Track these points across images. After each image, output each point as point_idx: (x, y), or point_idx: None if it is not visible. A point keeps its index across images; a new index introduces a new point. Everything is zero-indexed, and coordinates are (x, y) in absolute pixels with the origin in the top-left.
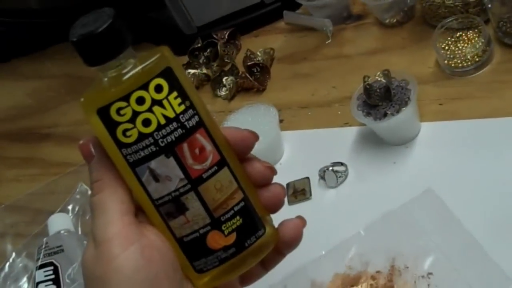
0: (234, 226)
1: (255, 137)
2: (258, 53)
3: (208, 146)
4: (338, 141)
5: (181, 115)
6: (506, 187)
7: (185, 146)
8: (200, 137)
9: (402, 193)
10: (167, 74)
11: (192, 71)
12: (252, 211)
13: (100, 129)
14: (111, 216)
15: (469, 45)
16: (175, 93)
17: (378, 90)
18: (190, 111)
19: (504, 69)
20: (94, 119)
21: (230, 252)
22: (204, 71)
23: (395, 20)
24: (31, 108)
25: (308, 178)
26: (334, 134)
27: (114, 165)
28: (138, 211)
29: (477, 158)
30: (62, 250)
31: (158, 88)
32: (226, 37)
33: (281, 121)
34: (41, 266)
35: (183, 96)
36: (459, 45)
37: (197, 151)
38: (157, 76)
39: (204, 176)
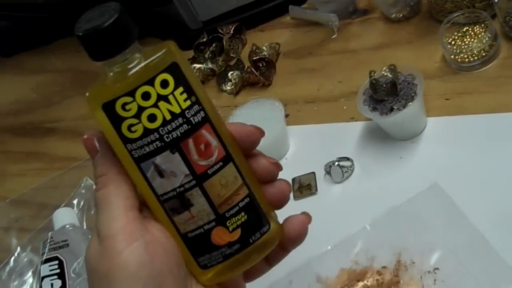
0: (238, 222)
1: (261, 133)
2: (264, 47)
3: (214, 142)
4: (344, 136)
5: (187, 111)
6: None
7: (190, 141)
8: (206, 133)
9: (408, 188)
10: (173, 69)
11: (197, 65)
12: (257, 207)
13: (105, 124)
14: (115, 212)
15: (475, 40)
16: (181, 89)
17: (384, 85)
18: (196, 107)
19: (510, 64)
20: (99, 114)
21: (235, 248)
22: (210, 65)
23: (401, 15)
24: (36, 102)
25: (314, 173)
26: (340, 129)
27: (118, 160)
28: (143, 206)
29: (483, 153)
30: (67, 245)
31: (164, 84)
32: (232, 32)
33: (286, 115)
34: (46, 261)
35: (189, 91)
36: (465, 40)
37: (202, 147)
38: (163, 71)
39: (209, 172)
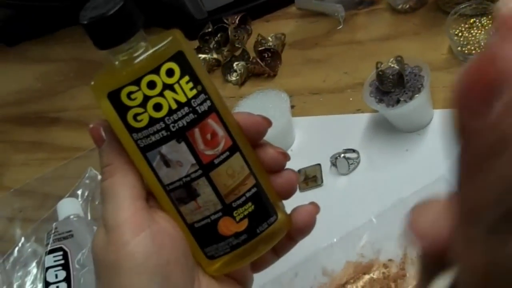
0: (245, 213)
1: (268, 122)
2: (269, 38)
3: (220, 131)
4: (350, 127)
5: (193, 100)
6: None
7: (196, 131)
8: (212, 122)
9: (414, 180)
10: (179, 58)
11: (202, 56)
12: (264, 197)
13: (110, 113)
14: (122, 201)
15: (482, 32)
16: (186, 78)
17: (391, 77)
18: (202, 96)
19: None
20: (105, 103)
21: (242, 239)
22: (215, 56)
23: (407, 6)
24: (40, 92)
25: (319, 164)
26: (346, 120)
27: (125, 149)
28: (149, 196)
29: None
30: (72, 236)
31: (170, 72)
32: (237, 22)
33: (292, 107)
34: (51, 251)
35: (195, 80)
36: (472, 31)
37: (208, 136)
38: (169, 60)
39: (216, 161)
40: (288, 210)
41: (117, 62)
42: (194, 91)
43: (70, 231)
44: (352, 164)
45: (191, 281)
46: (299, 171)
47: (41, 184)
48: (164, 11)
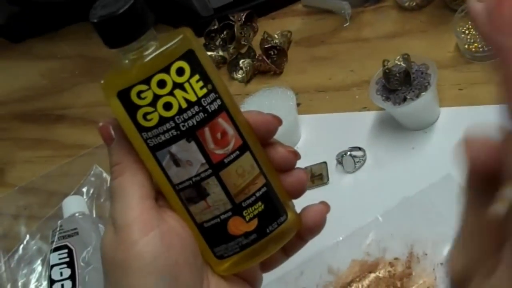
0: (255, 212)
1: (278, 121)
2: (275, 35)
3: (230, 131)
4: (356, 125)
5: (203, 99)
6: None
7: (206, 130)
8: (222, 121)
9: (420, 178)
10: (189, 56)
11: (208, 53)
12: (274, 197)
13: (120, 112)
14: (131, 201)
15: None
16: (197, 76)
17: (397, 75)
18: (212, 95)
19: None
20: (114, 102)
21: (251, 238)
22: (221, 53)
23: (414, 4)
24: (45, 89)
25: (325, 162)
26: (352, 118)
27: (134, 148)
28: (159, 195)
29: None
30: (77, 233)
31: (180, 71)
32: (243, 19)
33: (298, 104)
34: (56, 249)
35: (205, 79)
36: None
37: (218, 135)
38: (179, 58)
39: (226, 161)
40: (296, 208)
41: (127, 61)
42: (204, 90)
43: (75, 228)
44: (358, 162)
45: (200, 281)
46: (305, 168)
47: (46, 181)
48: (171, 9)
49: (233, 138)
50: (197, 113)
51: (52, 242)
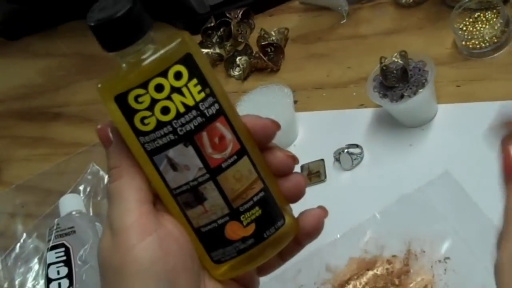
0: (253, 217)
1: (277, 126)
2: (272, 32)
3: (228, 135)
4: (354, 122)
5: (201, 103)
6: None
7: (204, 135)
8: (220, 126)
9: (418, 176)
10: (187, 60)
11: (205, 50)
12: (272, 202)
13: (117, 116)
14: (128, 205)
15: (487, 26)
16: (194, 81)
17: (395, 72)
18: (210, 99)
19: None
20: (112, 106)
21: (249, 243)
22: (217, 50)
23: (411, 0)
24: (42, 87)
25: (323, 160)
26: (350, 115)
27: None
28: (157, 200)
29: (494, 140)
30: (74, 232)
31: (178, 75)
32: (240, 16)
33: (295, 102)
34: (53, 248)
35: (203, 83)
36: (477, 26)
37: (216, 140)
38: (177, 62)
39: (223, 165)
40: (294, 209)
41: (124, 65)
42: (202, 94)
43: (72, 227)
44: (355, 159)
45: (197, 285)
46: (302, 166)
47: (43, 179)
48: (167, 6)
49: (231, 143)
50: (194, 117)
51: (49, 240)
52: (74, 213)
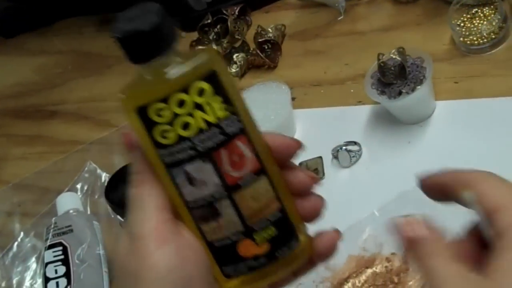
0: (267, 236)
1: (299, 145)
2: (269, 29)
3: (248, 154)
4: (352, 120)
5: (223, 121)
6: None
7: (224, 152)
8: (240, 144)
9: (417, 173)
10: (212, 77)
11: (201, 47)
12: (288, 222)
13: (138, 127)
14: (148, 212)
15: (485, 22)
16: (218, 98)
17: (392, 68)
18: (232, 117)
19: None
20: (133, 117)
21: (261, 262)
22: (214, 47)
23: None
24: (38, 84)
25: (321, 157)
26: (347, 112)
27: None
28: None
29: (492, 136)
30: (71, 230)
31: (201, 92)
32: (237, 13)
33: (293, 99)
34: (50, 246)
35: (226, 101)
36: (474, 22)
37: (236, 158)
38: (201, 79)
39: (241, 183)
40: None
41: (148, 77)
42: (225, 112)
43: (69, 226)
44: (353, 156)
45: None
46: (300, 164)
47: (40, 178)
48: (163, 3)
49: (250, 162)
50: (215, 135)
51: (47, 239)
52: (71, 211)
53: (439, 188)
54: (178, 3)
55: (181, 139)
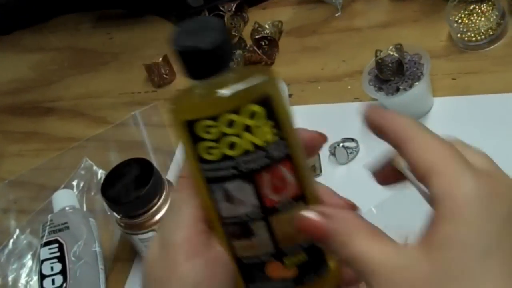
0: (297, 261)
1: (325, 138)
2: (266, 26)
3: (290, 179)
4: (349, 116)
5: (270, 146)
6: None
7: (266, 175)
8: (284, 170)
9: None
10: (266, 102)
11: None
12: (319, 250)
13: (184, 138)
14: (183, 220)
15: (482, 18)
16: (269, 123)
17: (390, 65)
18: (280, 142)
19: None
20: (180, 128)
21: (287, 285)
22: None
23: None
24: (34, 81)
25: (318, 154)
26: (345, 109)
27: None
28: None
29: (490, 133)
30: (67, 227)
31: (252, 115)
32: (233, 10)
33: (290, 95)
34: (46, 244)
35: (277, 127)
36: (472, 18)
37: (277, 182)
38: (254, 102)
39: (279, 207)
40: None
41: (201, 92)
42: (274, 137)
43: (65, 223)
44: (351, 153)
45: None
46: None
47: (36, 175)
48: None
49: (291, 187)
50: (260, 158)
51: (43, 236)
52: (67, 208)
53: (389, 170)
54: None
55: (225, 157)
